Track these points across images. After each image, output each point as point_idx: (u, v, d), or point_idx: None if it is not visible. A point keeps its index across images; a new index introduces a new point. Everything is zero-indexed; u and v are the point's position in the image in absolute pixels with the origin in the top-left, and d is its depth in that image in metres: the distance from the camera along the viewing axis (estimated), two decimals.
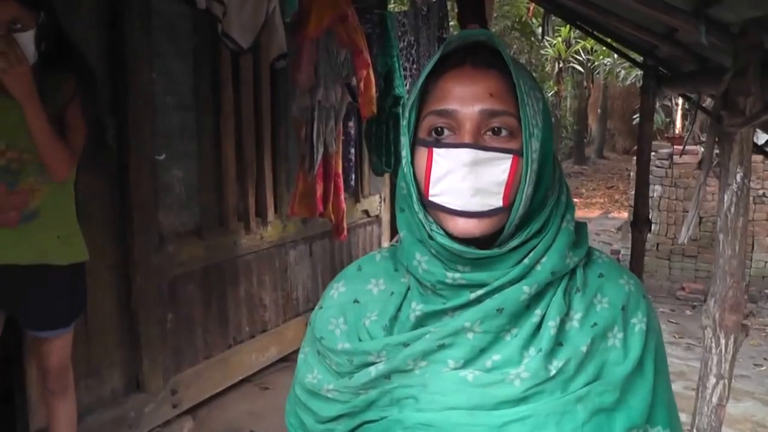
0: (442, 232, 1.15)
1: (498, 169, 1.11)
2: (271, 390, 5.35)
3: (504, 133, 1.12)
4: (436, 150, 1.13)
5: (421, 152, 1.16)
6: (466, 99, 1.12)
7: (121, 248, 4.20)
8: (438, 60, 1.17)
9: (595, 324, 1.18)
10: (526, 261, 1.15)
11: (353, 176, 6.04)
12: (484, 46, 1.17)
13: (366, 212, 6.95)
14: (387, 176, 6.56)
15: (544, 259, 1.16)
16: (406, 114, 1.18)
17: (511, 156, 1.11)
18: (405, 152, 1.18)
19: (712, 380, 2.38)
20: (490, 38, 1.17)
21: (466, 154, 1.10)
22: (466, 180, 1.10)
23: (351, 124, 5.77)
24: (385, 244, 7.20)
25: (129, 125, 4.09)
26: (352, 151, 5.92)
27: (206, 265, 4.87)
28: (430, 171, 1.13)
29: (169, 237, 4.53)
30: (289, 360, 5.82)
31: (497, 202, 1.12)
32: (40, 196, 3.11)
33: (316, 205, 4.92)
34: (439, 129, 1.14)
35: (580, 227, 1.25)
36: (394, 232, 7.01)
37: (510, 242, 1.15)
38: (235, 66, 4.89)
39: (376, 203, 7.10)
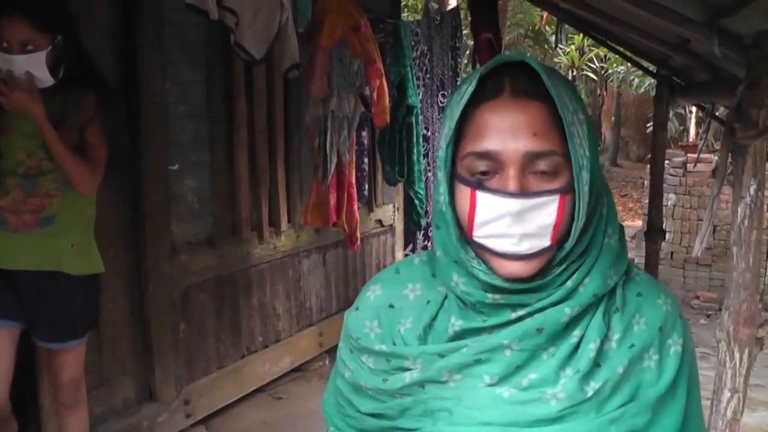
0: (483, 267, 1.13)
1: (545, 212, 1.07)
2: (285, 400, 5.35)
3: (550, 172, 1.08)
4: (479, 194, 1.09)
5: (462, 190, 1.12)
6: (507, 138, 1.07)
7: (133, 257, 4.22)
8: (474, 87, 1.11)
9: (633, 345, 1.16)
10: (569, 284, 1.13)
11: (366, 186, 6.04)
12: (522, 68, 1.11)
13: (379, 222, 6.94)
14: (400, 186, 6.54)
15: (586, 281, 1.14)
16: (443, 145, 1.13)
17: (558, 196, 1.08)
18: (443, 189, 1.14)
19: (727, 394, 2.36)
20: (528, 61, 1.11)
21: (512, 204, 1.06)
22: (512, 227, 1.07)
23: (364, 133, 5.78)
24: (399, 253, 7.19)
25: (142, 135, 4.11)
26: (366, 160, 5.92)
27: (219, 274, 4.87)
28: (474, 214, 1.10)
29: (181, 246, 4.53)
30: (302, 370, 5.83)
31: (546, 242, 1.09)
32: (56, 201, 3.16)
33: (329, 214, 4.93)
34: (481, 170, 1.10)
35: (620, 233, 1.22)
36: (408, 241, 7.00)
37: (554, 270, 1.13)
38: (248, 76, 4.90)
39: (389, 213, 7.09)
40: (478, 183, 1.10)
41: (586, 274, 1.15)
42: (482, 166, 1.09)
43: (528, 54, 1.15)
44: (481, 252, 1.13)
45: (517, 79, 1.10)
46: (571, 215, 1.10)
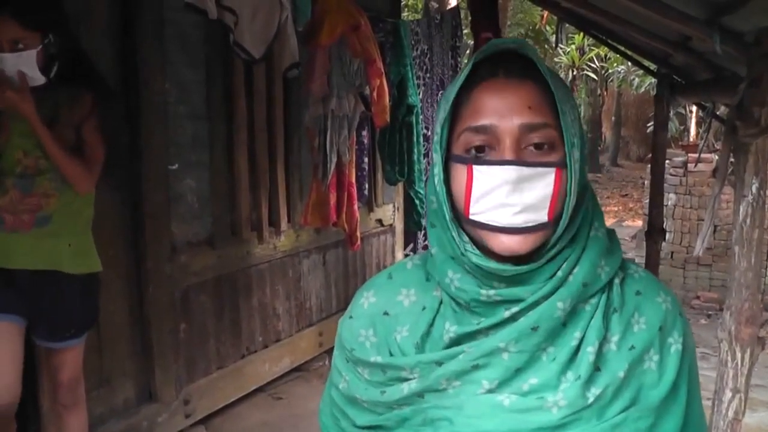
0: (476, 251, 1.13)
1: (542, 183, 1.08)
2: (285, 400, 5.34)
3: (545, 146, 1.09)
4: (476, 167, 1.09)
5: (459, 169, 1.12)
6: (503, 112, 1.09)
7: (133, 258, 4.21)
8: (468, 71, 1.13)
9: (633, 347, 1.15)
10: (559, 273, 1.12)
11: (366, 185, 6.03)
12: (516, 56, 1.13)
13: (379, 221, 6.93)
14: (400, 185, 6.54)
15: (575, 270, 1.14)
16: (438, 129, 1.14)
17: (554, 169, 1.08)
18: (438, 169, 1.14)
19: (728, 394, 2.35)
20: (522, 47, 1.12)
21: (509, 172, 1.06)
22: (510, 197, 1.07)
23: (364, 133, 5.77)
24: (399, 253, 7.18)
25: (142, 135, 4.11)
26: (366, 160, 5.91)
27: (219, 274, 4.86)
28: (470, 189, 1.09)
29: (181, 247, 4.53)
30: (302, 370, 5.82)
31: (543, 217, 1.08)
32: (54, 201, 3.16)
33: (329, 214, 4.92)
34: (478, 146, 1.10)
35: (610, 235, 1.22)
36: (408, 241, 7.00)
37: (546, 254, 1.12)
38: (248, 75, 4.90)
39: (389, 212, 7.08)
40: (475, 158, 1.10)
41: (575, 264, 1.14)
42: (478, 140, 1.10)
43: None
44: (478, 232, 1.12)
45: (510, 64, 1.12)
46: (565, 194, 1.10)
